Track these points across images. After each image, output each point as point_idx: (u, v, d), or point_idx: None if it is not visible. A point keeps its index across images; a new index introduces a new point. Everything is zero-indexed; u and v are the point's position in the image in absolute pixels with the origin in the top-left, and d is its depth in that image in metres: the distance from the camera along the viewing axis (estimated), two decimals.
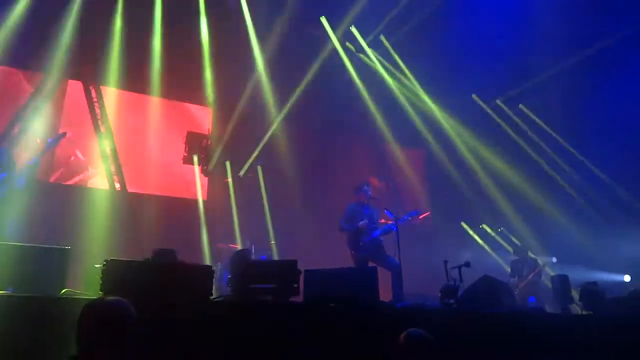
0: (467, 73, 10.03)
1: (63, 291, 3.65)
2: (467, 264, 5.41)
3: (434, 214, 10.71)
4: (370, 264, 6.41)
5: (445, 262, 5.39)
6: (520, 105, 11.30)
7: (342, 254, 6.73)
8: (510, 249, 10.00)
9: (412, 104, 10.88)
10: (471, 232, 11.12)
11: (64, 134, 5.72)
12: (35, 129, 8.57)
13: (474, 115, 10.96)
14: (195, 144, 8.71)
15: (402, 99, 10.84)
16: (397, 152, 11.35)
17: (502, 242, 10.78)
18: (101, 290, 3.30)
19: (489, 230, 11.00)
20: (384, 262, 6.35)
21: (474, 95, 11.33)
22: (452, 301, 4.79)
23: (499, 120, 11.26)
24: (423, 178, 11.87)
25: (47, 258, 3.77)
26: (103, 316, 2.08)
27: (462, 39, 9.45)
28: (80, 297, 3.66)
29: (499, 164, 10.77)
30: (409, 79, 10.88)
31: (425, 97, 10.90)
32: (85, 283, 4.57)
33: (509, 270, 8.74)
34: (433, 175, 11.63)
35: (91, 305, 2.14)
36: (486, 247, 10.84)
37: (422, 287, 6.55)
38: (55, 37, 8.47)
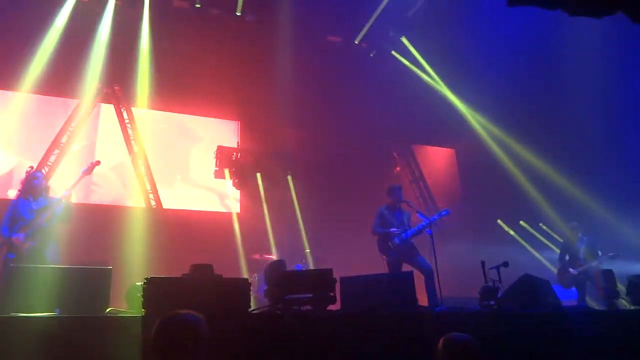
0: (493, 67, 9.91)
1: (107, 310, 3.75)
2: (506, 264, 5.27)
3: (468, 213, 10.56)
4: (404, 267, 6.35)
5: (483, 262, 5.26)
6: None
7: (378, 259, 6.68)
8: (551, 245, 9.73)
9: (440, 104, 10.77)
10: (509, 230, 10.88)
11: (97, 162, 5.90)
12: (73, 154, 8.92)
13: (504, 110, 10.74)
14: (226, 158, 8.83)
15: (430, 99, 10.75)
16: (427, 152, 11.26)
17: (542, 238, 10.51)
18: (143, 308, 3.39)
19: (527, 227, 10.76)
20: (416, 264, 6.26)
21: None
22: (492, 302, 4.69)
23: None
24: (455, 177, 11.73)
25: (90, 279, 3.87)
26: (182, 330, 2.09)
27: (487, 33, 9.37)
28: (124, 314, 3.76)
29: (534, 158, 10.50)
30: (434, 79, 10.80)
31: (452, 96, 10.80)
32: (127, 300, 4.68)
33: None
34: (465, 174, 11.47)
35: (168, 320, 2.14)
36: (526, 244, 10.59)
37: (460, 290, 6.44)
38: (86, 63, 8.78)
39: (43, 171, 7.94)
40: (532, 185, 10.40)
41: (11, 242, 5.15)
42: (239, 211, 9.74)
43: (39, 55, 8.40)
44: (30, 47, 8.35)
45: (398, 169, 11.38)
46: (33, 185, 5.51)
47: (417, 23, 9.93)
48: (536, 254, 10.40)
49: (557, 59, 9.82)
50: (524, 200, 10.42)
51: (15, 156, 8.66)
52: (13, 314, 3.39)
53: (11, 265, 4.47)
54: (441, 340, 2.83)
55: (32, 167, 6.17)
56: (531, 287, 4.81)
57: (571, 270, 7.67)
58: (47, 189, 5.63)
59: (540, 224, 10.62)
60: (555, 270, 9.16)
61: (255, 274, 7.54)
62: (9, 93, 8.60)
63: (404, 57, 10.77)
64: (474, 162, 11.09)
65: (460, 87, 10.72)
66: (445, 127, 11.02)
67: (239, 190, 9.70)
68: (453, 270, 7.29)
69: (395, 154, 11.43)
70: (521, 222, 10.84)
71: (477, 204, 10.64)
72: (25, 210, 5.36)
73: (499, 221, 10.98)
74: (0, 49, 8.23)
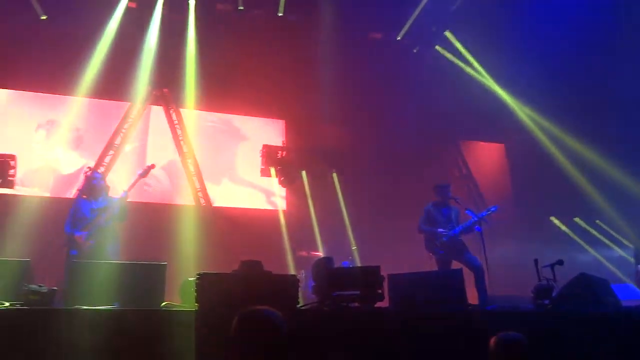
0: (543, 58, 9.59)
1: (163, 304, 3.90)
2: (560, 262, 5.09)
3: (520, 210, 10.27)
4: (454, 265, 6.26)
5: (536, 260, 5.10)
6: None
7: (427, 256, 6.61)
8: (609, 243, 9.31)
9: (488, 98, 10.50)
10: (563, 227, 10.49)
11: (153, 165, 6.16)
12: (126, 154, 9.30)
13: (555, 102, 10.33)
14: (272, 156, 8.97)
15: (477, 93, 10.49)
16: (476, 148, 11.02)
17: (599, 236, 10.08)
18: (196, 302, 3.50)
19: (583, 224, 10.33)
20: (465, 261, 6.17)
21: None
22: (546, 302, 4.55)
23: None
24: (505, 173, 11.43)
25: (147, 274, 4.04)
26: (265, 325, 2.10)
27: (535, 23, 9.10)
28: (179, 308, 3.89)
29: (588, 151, 10.06)
30: (480, 73, 10.54)
31: (499, 89, 10.51)
32: (181, 295, 4.83)
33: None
34: (516, 169, 11.15)
35: (249, 314, 2.15)
36: (582, 242, 10.18)
37: (511, 289, 6.28)
38: (136, 67, 9.11)
39: (99, 171, 8.31)
40: (587, 179, 9.97)
41: (74, 239, 5.43)
42: (285, 208, 9.85)
43: (93, 62, 8.80)
44: (85, 55, 8.75)
45: (447, 167, 11.18)
46: (92, 185, 5.79)
47: (461, 16, 9.72)
48: (593, 252, 9.99)
49: (611, 48, 9.37)
50: (578, 195, 10.01)
51: (80, 157, 9.13)
52: (77, 307, 3.58)
53: (74, 261, 4.71)
54: (493, 339, 2.78)
55: (89, 168, 6.49)
56: (588, 286, 4.63)
57: (639, 267, 7.36)
58: (106, 189, 5.89)
59: (597, 221, 10.19)
60: (613, 269, 8.82)
61: (302, 271, 7.61)
62: (67, 98, 9.06)
63: (449, 52, 10.57)
64: (525, 156, 10.75)
65: (508, 80, 10.40)
66: (493, 122, 10.75)
67: (284, 188, 9.81)
68: (504, 268, 7.13)
69: (442, 150, 11.23)
70: (576, 219, 10.42)
71: (529, 200, 10.31)
72: (86, 209, 5.64)
73: (552, 218, 10.61)
74: (60, 58, 8.64)
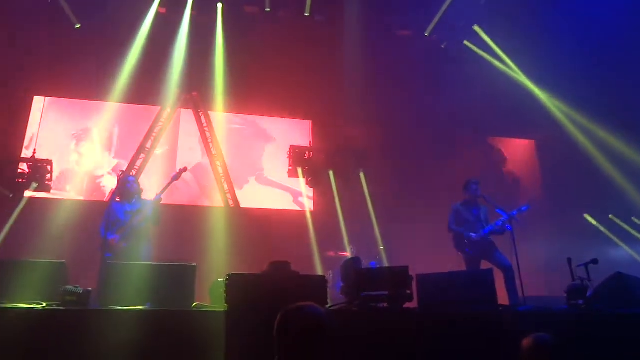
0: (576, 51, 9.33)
1: (193, 305, 3.97)
2: (595, 261, 4.96)
3: (551, 207, 10.03)
4: (483, 264, 6.16)
5: (569, 259, 4.98)
6: None
7: (455, 256, 6.53)
8: None
9: (517, 93, 10.28)
10: (597, 225, 10.19)
11: (185, 168, 6.26)
12: (157, 157, 9.50)
13: (588, 96, 10.03)
14: (299, 157, 9.04)
15: (506, 88, 10.29)
16: (506, 144, 10.81)
17: (635, 233, 9.75)
18: (226, 303, 3.55)
19: (618, 221, 10.01)
20: (494, 260, 6.07)
21: None
22: (580, 302, 4.44)
23: None
24: (536, 170, 11.17)
25: (177, 275, 4.11)
26: (316, 323, 2.03)
27: (567, 15, 8.88)
28: (209, 309, 3.95)
29: (623, 146, 9.74)
30: (510, 67, 10.34)
31: (530, 84, 10.29)
32: (210, 296, 4.90)
33: None
34: (547, 166, 10.89)
35: (295, 312, 2.08)
36: (617, 240, 9.87)
37: (544, 289, 6.14)
38: (166, 72, 9.31)
39: (132, 174, 8.51)
40: (622, 175, 9.66)
41: (108, 242, 5.57)
42: (312, 209, 9.89)
43: (125, 68, 9.04)
44: (118, 62, 9.00)
45: (476, 165, 11.00)
46: (125, 188, 5.92)
47: (490, 10, 9.55)
48: (629, 250, 9.68)
49: None
50: (613, 192, 9.70)
51: (112, 161, 9.38)
52: (111, 307, 3.68)
53: (108, 262, 4.83)
54: (525, 341, 2.73)
55: (122, 172, 6.64)
56: (624, 285, 4.49)
57: None
58: (139, 191, 6.02)
59: (633, 218, 9.87)
60: None
61: (330, 271, 7.63)
62: (101, 104, 9.34)
63: (477, 47, 10.40)
64: (556, 152, 10.49)
65: (539, 74, 10.17)
66: (524, 117, 10.52)
67: (312, 189, 9.85)
68: (536, 268, 6.97)
69: (471, 148, 11.06)
70: (610, 216, 10.12)
71: (561, 197, 10.06)
72: (120, 212, 5.78)
73: (585, 216, 10.32)
74: (94, 65, 8.90)
